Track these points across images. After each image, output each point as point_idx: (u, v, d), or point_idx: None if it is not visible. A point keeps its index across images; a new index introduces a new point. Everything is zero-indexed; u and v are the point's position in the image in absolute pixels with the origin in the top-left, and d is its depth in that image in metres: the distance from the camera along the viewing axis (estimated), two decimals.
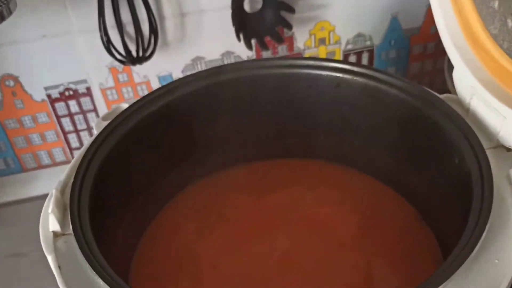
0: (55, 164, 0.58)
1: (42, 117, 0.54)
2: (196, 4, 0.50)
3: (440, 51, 0.59)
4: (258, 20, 0.51)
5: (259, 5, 0.50)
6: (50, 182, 0.56)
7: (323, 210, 0.35)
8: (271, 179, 0.37)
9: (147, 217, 0.34)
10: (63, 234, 0.25)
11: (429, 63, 0.60)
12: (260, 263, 0.32)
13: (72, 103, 0.54)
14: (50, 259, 0.24)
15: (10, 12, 0.39)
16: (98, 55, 0.51)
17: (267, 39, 0.52)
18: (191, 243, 0.33)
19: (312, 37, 0.55)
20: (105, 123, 0.32)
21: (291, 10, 0.50)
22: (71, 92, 0.54)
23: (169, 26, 0.51)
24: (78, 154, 0.30)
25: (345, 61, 0.35)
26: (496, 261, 0.22)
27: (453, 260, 0.21)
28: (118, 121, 0.31)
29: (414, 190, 0.34)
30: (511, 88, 0.27)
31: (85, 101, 0.54)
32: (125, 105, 0.33)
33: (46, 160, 0.57)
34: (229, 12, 0.49)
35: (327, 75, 0.35)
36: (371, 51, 0.58)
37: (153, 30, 0.49)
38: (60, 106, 0.54)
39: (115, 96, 0.55)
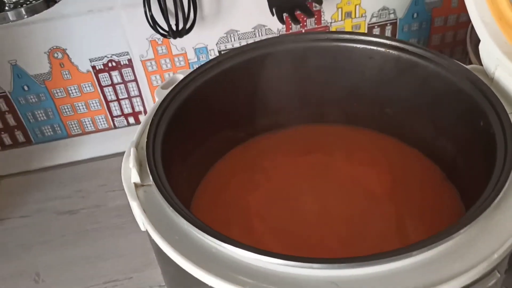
0: (97, 130, 0.62)
1: (87, 87, 0.58)
2: None
3: (460, 24, 0.62)
4: None
5: None
6: (93, 147, 0.62)
7: (357, 170, 0.39)
8: (309, 142, 0.41)
9: (201, 172, 0.39)
10: (142, 185, 0.29)
11: (449, 35, 0.63)
12: (300, 214, 0.36)
13: (115, 74, 0.58)
14: (135, 205, 0.28)
15: None
16: (140, 28, 0.55)
17: (298, 13, 0.55)
18: (239, 196, 0.37)
19: (339, 10, 0.58)
20: (165, 91, 0.35)
21: None
22: (114, 64, 0.57)
23: (205, 1, 0.55)
24: (145, 118, 0.34)
25: (378, 35, 0.38)
26: None
27: (477, 208, 0.25)
28: (178, 89, 0.35)
29: (441, 152, 0.37)
30: None
31: (127, 72, 0.58)
32: (180, 76, 0.37)
33: (89, 127, 0.62)
34: None
35: (363, 48, 0.38)
36: (394, 24, 0.61)
37: (194, 4, 0.52)
38: (104, 77, 0.58)
39: (154, 67, 0.59)
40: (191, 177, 0.35)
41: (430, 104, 0.37)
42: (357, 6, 0.58)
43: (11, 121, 0.59)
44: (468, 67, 0.34)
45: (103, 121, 0.62)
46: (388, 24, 0.60)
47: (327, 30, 0.56)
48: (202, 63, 0.38)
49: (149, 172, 0.29)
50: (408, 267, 0.24)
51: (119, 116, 0.62)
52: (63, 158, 0.62)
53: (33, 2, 0.40)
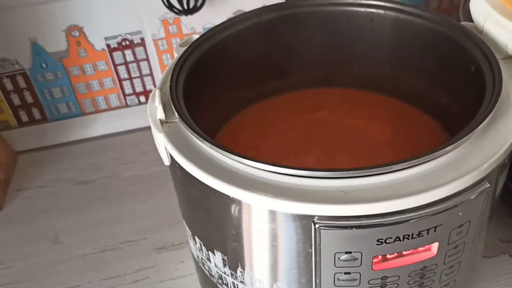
0: (110, 109, 0.65)
1: (102, 65, 0.62)
2: None
3: (454, 5, 0.66)
4: None
5: None
6: (106, 125, 0.65)
7: (360, 122, 0.42)
8: (314, 102, 0.44)
9: (216, 125, 0.42)
10: (166, 122, 0.32)
11: (446, 1, 0.66)
12: (308, 160, 0.39)
13: (128, 53, 0.61)
14: (160, 136, 0.31)
15: None
16: (152, 8, 0.58)
17: None
18: (252, 145, 0.40)
19: None
20: (183, 48, 0.39)
21: None
22: (127, 42, 0.61)
23: None
24: (167, 69, 0.37)
25: None
26: (504, 130, 0.29)
27: (472, 126, 0.28)
28: (194, 46, 0.38)
29: (437, 104, 0.40)
30: None
31: (139, 50, 0.62)
32: (196, 36, 0.40)
33: (103, 105, 0.65)
34: None
35: (363, 11, 0.41)
36: None
37: None
38: (118, 55, 0.61)
39: (165, 47, 0.62)
40: (207, 128, 0.38)
41: (426, 59, 0.40)
42: None
43: (29, 98, 0.62)
44: (460, 23, 0.38)
45: (115, 99, 0.65)
46: None
47: None
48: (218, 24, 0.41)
49: (174, 109, 0.32)
50: (409, 177, 0.27)
51: (131, 94, 0.65)
52: (77, 135, 0.65)
53: None
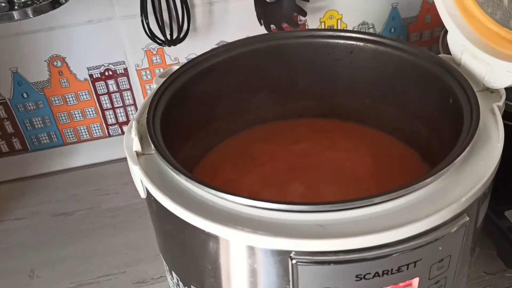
0: (92, 138, 0.64)
1: (84, 95, 0.61)
2: None
3: (434, 38, 0.67)
4: (277, 8, 0.58)
5: None
6: (88, 155, 0.64)
7: (340, 155, 0.42)
8: (295, 133, 0.44)
9: (196, 157, 0.41)
10: (143, 154, 0.32)
11: (427, 33, 0.67)
12: (289, 192, 0.38)
13: (111, 83, 0.61)
14: (136, 169, 0.31)
15: None
16: (136, 38, 0.58)
17: (284, 25, 0.59)
18: (233, 178, 0.40)
19: (322, 24, 0.63)
20: (162, 79, 0.38)
21: None
22: (110, 72, 0.60)
23: (198, 13, 0.58)
24: (145, 100, 0.37)
25: (357, 31, 0.42)
26: (482, 162, 0.29)
27: (446, 162, 0.28)
28: (174, 77, 0.38)
29: (417, 137, 0.41)
30: (493, 42, 0.35)
31: (122, 80, 0.61)
32: (175, 67, 0.40)
33: (85, 135, 0.64)
34: (251, 1, 0.57)
35: (343, 43, 0.42)
36: None
37: (187, 16, 0.56)
38: (100, 85, 0.61)
39: (149, 77, 0.62)
40: (186, 161, 0.38)
41: (405, 91, 0.40)
42: (339, 21, 0.63)
43: (9, 128, 0.61)
44: (439, 55, 0.38)
45: (98, 129, 0.64)
46: None
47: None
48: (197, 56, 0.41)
49: (150, 141, 0.31)
50: (387, 211, 0.26)
51: (114, 124, 0.64)
52: (58, 165, 0.64)
53: (40, 2, 0.43)
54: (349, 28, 0.63)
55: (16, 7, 0.42)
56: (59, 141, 0.64)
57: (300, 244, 0.25)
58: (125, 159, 0.64)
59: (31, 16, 0.44)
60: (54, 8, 0.44)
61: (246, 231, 0.26)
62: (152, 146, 0.31)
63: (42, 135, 0.63)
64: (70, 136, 0.64)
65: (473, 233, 0.30)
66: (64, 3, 0.45)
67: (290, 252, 0.26)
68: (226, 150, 0.43)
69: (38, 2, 0.43)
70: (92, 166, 0.64)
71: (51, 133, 0.63)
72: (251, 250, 0.27)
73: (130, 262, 0.51)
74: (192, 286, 0.32)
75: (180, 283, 0.33)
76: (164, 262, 0.35)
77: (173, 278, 0.34)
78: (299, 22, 0.61)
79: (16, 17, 0.44)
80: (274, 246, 0.26)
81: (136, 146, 0.32)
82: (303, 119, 0.46)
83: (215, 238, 0.27)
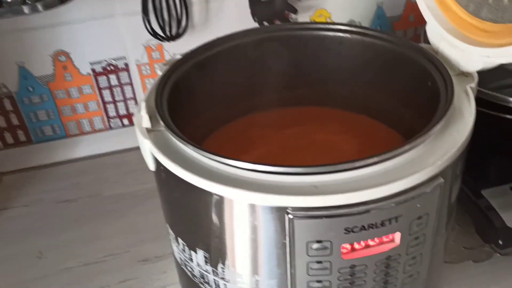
0: (94, 131, 0.67)
1: (87, 89, 0.64)
2: None
3: (417, 36, 0.71)
4: (270, 6, 0.62)
5: None
6: (90, 146, 0.67)
7: (330, 137, 0.45)
8: (288, 119, 0.48)
9: (197, 139, 0.44)
10: (152, 130, 0.35)
11: (410, 31, 0.71)
12: None
13: (112, 77, 0.64)
14: (146, 142, 0.34)
15: None
16: (136, 35, 0.62)
17: (276, 21, 0.63)
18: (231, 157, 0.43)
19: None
20: (166, 67, 0.42)
21: None
22: (112, 67, 0.64)
23: (195, 11, 0.62)
24: (152, 85, 0.40)
25: (346, 23, 0.46)
26: (455, 134, 0.33)
27: (427, 129, 0.32)
28: (177, 65, 0.41)
29: (401, 120, 0.44)
30: (467, 31, 0.39)
31: (123, 75, 0.65)
32: (178, 56, 0.43)
33: (87, 127, 0.67)
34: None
35: (333, 35, 0.45)
36: None
37: (186, 13, 0.60)
38: (102, 80, 0.64)
39: (148, 72, 0.65)
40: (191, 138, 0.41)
41: (389, 78, 0.44)
42: (328, 19, 0.67)
43: (15, 121, 0.64)
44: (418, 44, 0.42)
45: (99, 122, 0.67)
46: None
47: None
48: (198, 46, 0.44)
49: (159, 118, 0.35)
50: (371, 174, 0.30)
51: (115, 117, 0.67)
52: (61, 156, 0.67)
53: None
54: None
55: (28, 1, 0.46)
56: (62, 133, 0.67)
57: (295, 200, 0.29)
58: (124, 150, 0.68)
59: (41, 10, 0.47)
60: (63, 3, 0.48)
61: (248, 191, 0.29)
62: (161, 122, 0.35)
63: (46, 127, 0.66)
64: (73, 128, 0.67)
65: (449, 199, 0.34)
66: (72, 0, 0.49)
67: (286, 208, 0.29)
68: (226, 133, 0.47)
69: None
70: (93, 157, 0.67)
71: (55, 126, 0.66)
72: (252, 208, 0.30)
73: (133, 243, 0.54)
74: (197, 249, 0.35)
75: (186, 248, 0.36)
76: (170, 230, 0.38)
77: (179, 245, 0.37)
78: (290, 20, 0.65)
79: (25, 11, 0.47)
80: (273, 203, 0.29)
81: (146, 123, 0.35)
82: (296, 106, 0.49)
83: (221, 199, 0.30)
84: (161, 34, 0.59)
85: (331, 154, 0.43)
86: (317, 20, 0.66)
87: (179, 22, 0.60)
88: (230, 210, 0.31)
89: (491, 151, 0.53)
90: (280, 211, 0.29)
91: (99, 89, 0.65)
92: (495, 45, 0.35)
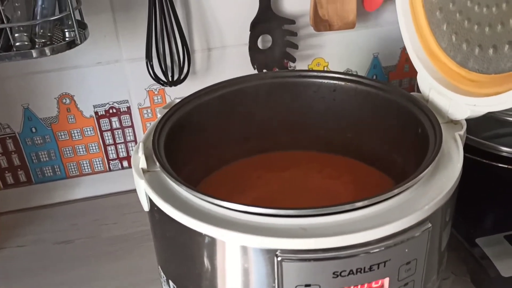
0: (94, 172, 0.68)
1: (89, 131, 0.66)
2: (220, 41, 0.64)
3: (412, 86, 0.73)
4: (269, 55, 0.64)
5: (269, 44, 0.64)
6: (89, 188, 0.68)
7: (325, 181, 0.46)
8: (286, 163, 0.49)
9: (195, 179, 0.45)
10: (148, 171, 0.36)
11: (406, 81, 0.72)
12: None
13: (114, 120, 0.66)
14: (142, 183, 0.35)
15: (85, 38, 0.52)
16: (140, 79, 0.64)
17: (275, 69, 0.65)
18: (228, 198, 0.44)
19: None
20: (165, 110, 0.43)
21: (295, 46, 0.64)
22: (114, 110, 0.65)
23: (198, 57, 0.64)
24: (150, 127, 0.41)
25: (340, 72, 0.47)
26: (444, 179, 0.33)
27: (415, 175, 0.33)
28: (175, 109, 0.43)
29: (393, 166, 0.45)
30: (455, 80, 0.40)
31: (125, 118, 0.66)
32: (177, 100, 0.45)
33: (87, 169, 0.68)
34: (246, 48, 0.63)
35: (327, 82, 0.47)
36: None
37: (188, 60, 0.62)
38: (104, 122, 0.66)
39: (150, 115, 0.67)
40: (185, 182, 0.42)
41: (382, 124, 0.45)
42: (325, 67, 0.69)
43: (16, 161, 0.65)
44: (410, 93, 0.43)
45: (99, 163, 0.68)
46: None
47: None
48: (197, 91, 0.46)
49: (155, 159, 0.36)
50: (360, 217, 0.30)
51: (115, 159, 0.68)
52: (60, 197, 0.67)
53: (58, 42, 0.48)
54: None
55: (37, 46, 0.48)
56: (62, 174, 0.68)
57: (284, 243, 0.29)
58: (123, 192, 0.68)
59: (48, 55, 0.49)
60: (70, 48, 0.50)
61: (238, 232, 0.30)
62: (157, 163, 0.36)
63: (47, 168, 0.67)
64: (73, 169, 0.68)
65: (438, 242, 0.34)
66: (79, 44, 0.51)
67: (276, 250, 0.29)
68: (223, 175, 0.47)
69: (56, 42, 0.49)
70: (92, 199, 0.68)
71: (55, 166, 0.67)
72: (242, 249, 0.30)
73: (127, 286, 0.53)
74: None
75: None
76: (161, 273, 0.39)
77: None
78: (289, 68, 0.67)
79: (34, 55, 0.49)
80: (262, 245, 0.30)
81: (142, 163, 0.36)
82: (294, 150, 0.50)
83: (211, 240, 0.31)
84: (163, 79, 0.61)
85: (324, 198, 0.44)
86: (315, 69, 0.68)
87: (181, 68, 0.62)
88: (220, 251, 0.31)
89: (484, 199, 0.53)
90: (270, 253, 0.30)
91: (101, 131, 0.66)
92: (482, 95, 0.37)
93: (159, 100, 0.66)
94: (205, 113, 0.45)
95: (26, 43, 0.47)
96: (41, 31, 0.48)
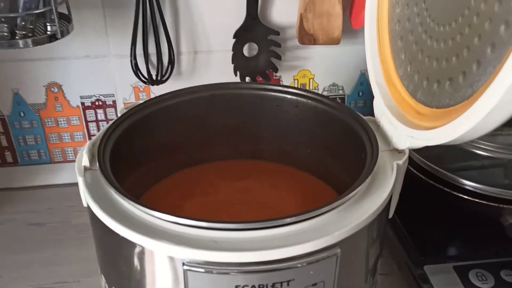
0: None
1: (75, 120, 0.68)
2: (207, 46, 0.65)
3: None
4: (253, 63, 0.65)
5: (255, 52, 0.65)
6: (72, 175, 0.70)
7: (276, 193, 0.47)
8: (242, 172, 0.50)
9: (148, 183, 0.47)
10: (90, 169, 0.38)
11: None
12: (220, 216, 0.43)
13: (100, 112, 0.68)
14: (80, 180, 0.36)
15: (67, 32, 0.54)
16: (126, 75, 0.65)
17: (259, 78, 0.66)
18: (175, 203, 0.45)
19: (296, 81, 0.69)
20: (125, 110, 0.45)
21: (279, 57, 0.65)
22: (100, 103, 0.67)
23: (184, 59, 0.66)
24: (105, 127, 0.43)
25: (302, 88, 0.48)
26: (366, 206, 0.34)
27: (351, 190, 0.33)
28: (135, 110, 0.44)
29: (343, 184, 0.46)
30: (405, 111, 0.40)
31: (110, 111, 0.68)
32: (141, 101, 0.46)
33: (71, 156, 0.70)
34: (231, 54, 0.64)
35: (290, 98, 0.48)
36: (343, 99, 0.71)
37: (171, 61, 0.63)
38: (90, 113, 0.68)
39: None
40: (136, 186, 0.43)
41: (336, 145, 0.46)
42: (311, 80, 0.69)
43: (4, 142, 0.68)
44: (365, 118, 0.44)
45: None
46: (338, 98, 0.71)
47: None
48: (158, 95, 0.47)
49: (96, 158, 0.37)
50: (270, 236, 0.31)
51: None
52: (42, 181, 0.70)
53: (40, 35, 0.51)
54: (320, 88, 0.70)
55: (17, 37, 0.50)
56: (47, 159, 0.70)
57: (190, 253, 0.30)
58: None
59: (31, 46, 0.51)
60: (50, 41, 0.52)
61: (148, 238, 0.31)
62: (97, 162, 0.37)
63: (33, 152, 0.69)
64: (58, 155, 0.70)
65: (355, 267, 0.34)
66: (60, 39, 0.53)
67: (183, 259, 0.31)
68: (178, 180, 0.49)
69: (38, 35, 0.51)
70: (73, 185, 0.69)
71: (41, 151, 0.70)
72: (152, 254, 0.32)
73: (86, 273, 0.55)
74: (113, 287, 0.37)
75: (106, 285, 0.38)
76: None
77: (102, 280, 0.39)
78: (274, 77, 0.68)
79: (21, 45, 0.51)
80: (171, 254, 0.31)
81: (85, 161, 0.38)
82: (250, 160, 0.51)
83: (126, 240, 0.32)
84: (146, 76, 0.63)
85: (267, 211, 0.45)
86: (301, 80, 0.69)
87: (163, 68, 0.63)
88: (132, 252, 0.33)
89: (442, 226, 0.53)
90: (178, 262, 0.31)
91: (86, 121, 0.68)
92: (421, 128, 0.37)
93: (144, 97, 0.68)
94: (164, 118, 0.46)
95: (5, 34, 0.49)
96: (23, 23, 0.50)
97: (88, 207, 0.36)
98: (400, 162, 0.38)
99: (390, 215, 0.40)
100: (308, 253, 0.31)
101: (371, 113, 0.45)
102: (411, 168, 0.56)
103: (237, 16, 0.62)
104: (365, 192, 0.35)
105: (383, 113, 0.42)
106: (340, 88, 0.70)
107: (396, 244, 0.53)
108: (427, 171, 0.54)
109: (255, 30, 0.63)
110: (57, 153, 0.70)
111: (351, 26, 0.64)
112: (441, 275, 0.48)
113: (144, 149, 0.46)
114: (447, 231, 0.52)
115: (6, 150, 0.69)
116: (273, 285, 0.31)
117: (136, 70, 0.63)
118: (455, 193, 0.51)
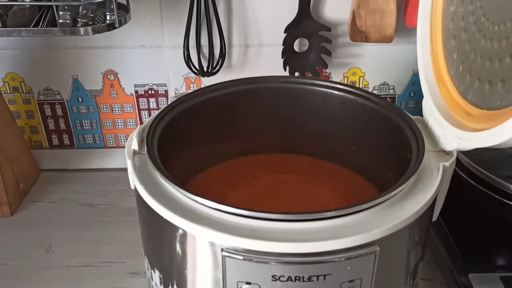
0: None
1: (128, 107, 0.71)
2: (258, 39, 0.66)
3: None
4: (303, 58, 0.65)
5: (305, 47, 0.65)
6: (123, 160, 0.72)
7: (318, 188, 0.47)
8: (286, 165, 0.50)
9: (196, 169, 0.48)
10: (139, 153, 0.39)
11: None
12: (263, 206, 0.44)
13: (152, 100, 0.70)
14: (129, 163, 0.38)
15: (125, 22, 0.56)
16: (178, 66, 0.67)
17: (308, 74, 0.66)
18: (220, 191, 0.46)
19: (345, 79, 0.69)
20: (175, 98, 0.46)
21: (329, 54, 0.64)
22: (153, 92, 0.70)
23: (235, 52, 0.67)
24: (154, 114, 0.44)
25: (349, 85, 0.47)
26: (408, 206, 0.34)
27: (394, 189, 0.33)
28: (185, 98, 0.46)
29: (380, 176, 0.45)
30: (454, 111, 0.39)
31: (162, 100, 0.70)
32: (190, 90, 0.48)
33: (123, 142, 0.73)
34: (281, 48, 0.64)
35: (337, 93, 0.48)
36: (393, 99, 0.70)
37: (222, 54, 0.65)
38: (143, 101, 0.70)
39: None
40: (183, 171, 0.45)
41: (379, 141, 0.45)
42: (361, 78, 0.69)
43: (62, 125, 0.72)
44: (413, 117, 0.43)
45: None
46: (388, 98, 0.70)
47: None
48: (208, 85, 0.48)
49: (145, 142, 0.39)
50: (309, 229, 0.31)
51: None
52: (96, 164, 0.73)
53: (100, 23, 0.53)
54: (370, 86, 0.69)
55: (78, 25, 0.52)
56: (101, 144, 0.73)
57: (229, 239, 0.31)
58: None
59: (90, 34, 0.54)
60: (109, 30, 0.54)
61: (191, 222, 0.32)
62: (145, 146, 0.39)
63: (88, 135, 0.73)
64: (111, 140, 0.73)
65: (394, 268, 0.34)
66: (117, 28, 0.55)
67: (222, 245, 0.31)
68: (223, 169, 0.50)
69: (98, 23, 0.53)
70: (124, 170, 0.72)
71: (96, 135, 0.73)
72: (192, 238, 0.33)
73: (131, 254, 0.58)
74: (155, 269, 0.38)
75: (149, 266, 0.39)
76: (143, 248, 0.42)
77: (145, 262, 0.41)
78: (324, 74, 0.68)
79: (82, 33, 0.53)
80: (211, 239, 0.32)
81: (134, 145, 0.39)
82: (294, 155, 0.52)
83: (171, 225, 0.33)
84: (198, 68, 0.64)
85: (309, 204, 0.45)
86: (350, 78, 0.68)
87: (217, 60, 0.64)
88: (176, 236, 0.34)
89: (491, 235, 0.51)
90: (217, 247, 0.32)
91: (139, 109, 0.71)
92: (470, 129, 0.36)
93: (195, 87, 0.69)
94: (212, 108, 0.47)
95: (68, 21, 0.51)
96: (84, 11, 0.52)
97: (135, 189, 0.38)
98: (447, 163, 0.37)
99: (434, 218, 0.39)
100: (346, 248, 0.31)
101: (422, 115, 0.44)
102: (460, 172, 0.55)
103: (290, 11, 0.63)
104: (408, 192, 0.35)
105: (432, 112, 0.41)
106: (391, 87, 0.69)
107: (441, 249, 0.52)
108: (477, 176, 0.52)
109: (306, 25, 0.63)
110: (111, 138, 0.73)
111: (405, 24, 0.63)
112: (487, 285, 0.46)
113: (192, 137, 0.47)
114: (495, 239, 0.51)
115: (64, 133, 0.72)
116: (309, 278, 0.31)
117: (188, 61, 0.64)
118: (505, 200, 0.50)
